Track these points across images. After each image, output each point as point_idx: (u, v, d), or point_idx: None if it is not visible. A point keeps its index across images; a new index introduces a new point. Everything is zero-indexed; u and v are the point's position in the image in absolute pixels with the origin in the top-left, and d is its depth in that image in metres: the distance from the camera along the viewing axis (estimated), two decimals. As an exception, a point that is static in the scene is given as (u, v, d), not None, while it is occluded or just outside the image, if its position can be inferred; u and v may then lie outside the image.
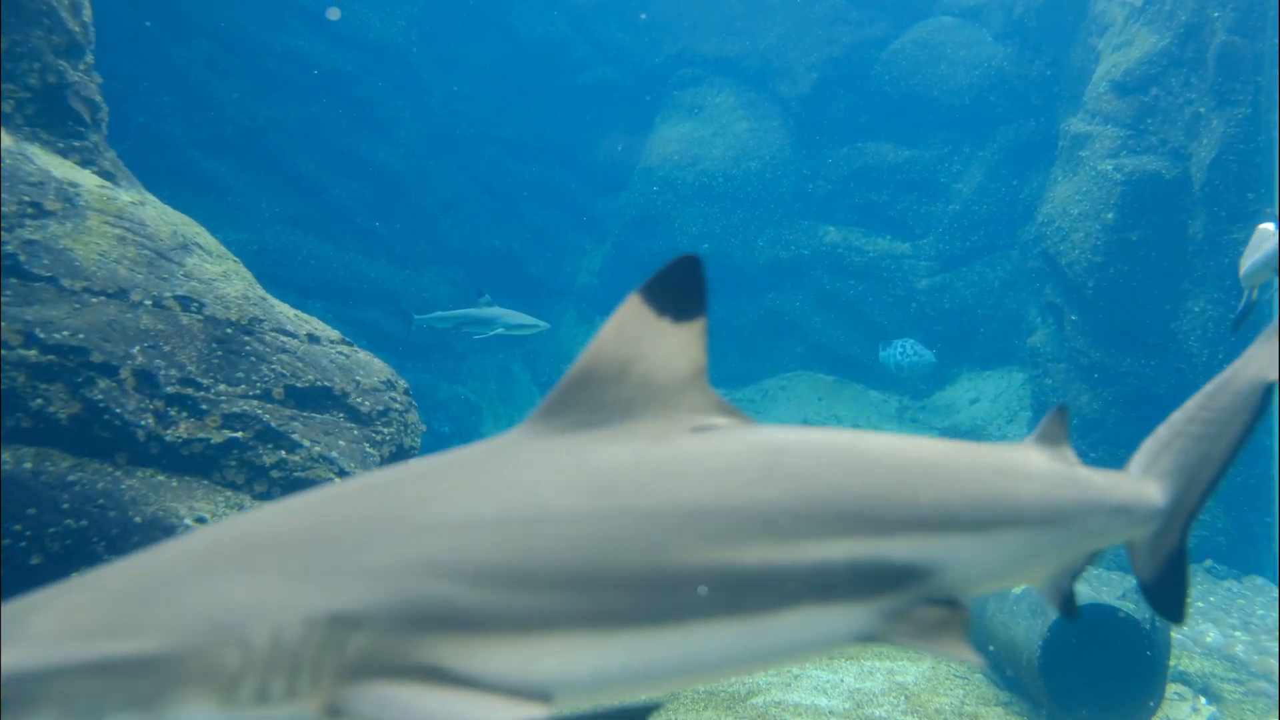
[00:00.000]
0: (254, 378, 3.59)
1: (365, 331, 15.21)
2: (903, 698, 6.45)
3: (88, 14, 5.32)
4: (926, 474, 1.86)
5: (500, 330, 10.64)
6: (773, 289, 15.78)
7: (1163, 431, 2.27)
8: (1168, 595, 2.26)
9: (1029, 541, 1.96)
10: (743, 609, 1.62)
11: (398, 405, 4.07)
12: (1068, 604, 2.19)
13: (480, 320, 10.77)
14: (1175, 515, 2.21)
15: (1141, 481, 2.20)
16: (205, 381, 3.47)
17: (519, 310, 11.27)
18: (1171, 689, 6.62)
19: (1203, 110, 10.16)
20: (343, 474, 3.65)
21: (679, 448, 1.70)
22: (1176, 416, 2.27)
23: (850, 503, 1.73)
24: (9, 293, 3.30)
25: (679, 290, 1.74)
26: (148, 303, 3.61)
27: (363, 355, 4.23)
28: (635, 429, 1.70)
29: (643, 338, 1.73)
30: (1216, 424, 2.21)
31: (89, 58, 5.29)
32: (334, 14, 15.35)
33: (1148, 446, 2.27)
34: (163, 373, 3.40)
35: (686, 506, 1.60)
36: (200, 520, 3.20)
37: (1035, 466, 2.06)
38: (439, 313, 11.11)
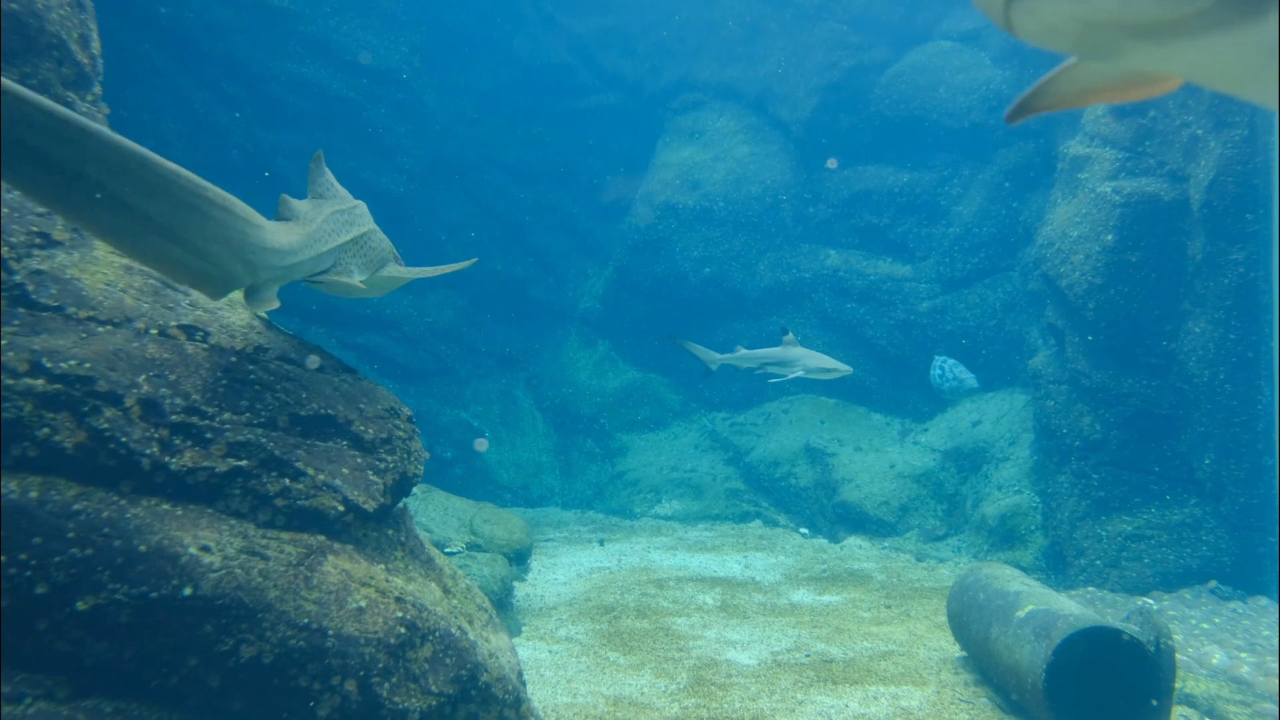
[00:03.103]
0: (258, 406, 3.62)
1: (368, 357, 15.28)
2: (907, 722, 6.42)
3: (96, 46, 5.39)
4: None
5: (799, 373, 10.23)
6: (774, 312, 15.83)
7: None
8: None
9: None
10: None
11: (401, 432, 4.08)
12: None
13: (782, 361, 10.38)
14: None
15: None
16: (210, 410, 3.49)
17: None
18: (1177, 711, 6.59)
19: (1200, 132, 10.22)
20: (346, 502, 3.67)
21: None
22: None
23: None
24: (16, 322, 3.34)
25: None
26: (153, 331, 3.64)
27: (366, 383, 4.25)
28: None
29: None
30: None
31: (97, 88, 5.35)
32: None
33: None
34: (168, 401, 3.42)
35: None
36: (205, 549, 3.21)
37: None
38: (742, 351, 10.73)
